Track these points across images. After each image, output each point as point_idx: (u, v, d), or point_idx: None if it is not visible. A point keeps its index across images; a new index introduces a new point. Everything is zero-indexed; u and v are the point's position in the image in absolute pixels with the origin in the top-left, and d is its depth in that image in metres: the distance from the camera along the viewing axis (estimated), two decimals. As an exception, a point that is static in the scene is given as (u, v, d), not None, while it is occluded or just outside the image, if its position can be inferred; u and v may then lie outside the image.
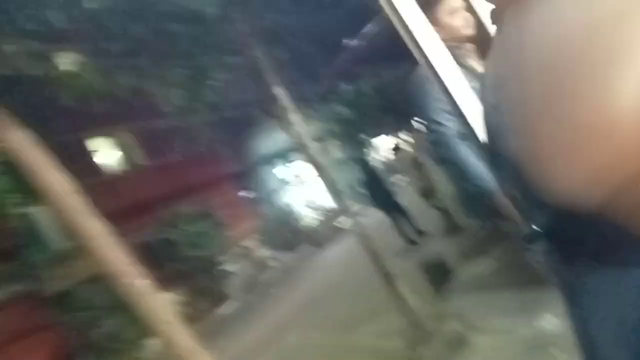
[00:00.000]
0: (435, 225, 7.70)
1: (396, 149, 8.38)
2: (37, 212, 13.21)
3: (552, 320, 3.12)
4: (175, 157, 18.89)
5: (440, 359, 3.47)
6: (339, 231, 17.83)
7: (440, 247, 5.79)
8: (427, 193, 7.77)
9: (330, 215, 19.93)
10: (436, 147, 2.08)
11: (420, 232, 8.42)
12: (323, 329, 6.60)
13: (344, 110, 5.97)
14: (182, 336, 2.51)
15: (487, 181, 1.98)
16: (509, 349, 3.14)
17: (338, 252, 14.32)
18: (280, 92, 4.15)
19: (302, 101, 4.58)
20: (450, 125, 2.04)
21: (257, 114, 23.09)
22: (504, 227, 2.24)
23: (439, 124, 2.05)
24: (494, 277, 4.49)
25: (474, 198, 2.19)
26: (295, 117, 4.17)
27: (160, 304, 2.55)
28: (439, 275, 5.31)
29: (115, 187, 14.83)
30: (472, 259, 5.35)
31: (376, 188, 8.70)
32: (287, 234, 18.56)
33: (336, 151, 3.73)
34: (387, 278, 3.99)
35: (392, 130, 7.44)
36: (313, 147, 4.17)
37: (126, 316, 12.14)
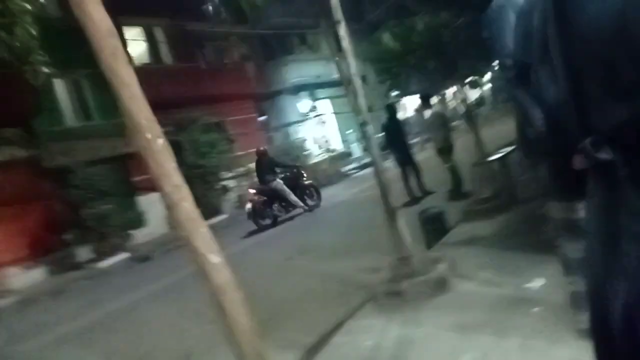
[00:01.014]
0: (444, 186, 7.72)
1: (425, 101, 8.22)
2: (57, 82, 13.30)
3: (541, 284, 3.17)
4: (202, 64, 18.70)
5: (420, 296, 3.55)
6: (343, 176, 17.93)
7: (441, 206, 5.80)
8: (445, 153, 7.72)
9: (338, 159, 19.96)
10: (510, 84, 1.98)
11: (426, 192, 8.46)
12: (312, 255, 6.77)
13: (391, 45, 5.76)
14: (201, 230, 2.52)
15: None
16: (490, 300, 3.21)
17: (339, 190, 14.48)
18: (339, 15, 3.99)
19: (354, 28, 4.38)
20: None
21: (300, 37, 22.52)
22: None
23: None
24: (490, 239, 4.54)
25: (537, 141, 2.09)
26: (346, 45, 4.02)
27: (176, 182, 2.54)
28: (435, 229, 5.38)
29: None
30: (472, 221, 5.40)
31: (395, 138, 8.64)
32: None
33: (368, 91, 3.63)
34: (389, 212, 4.02)
35: (435, 80, 7.21)
36: (356, 81, 4.05)
37: (118, 204, 12.52)
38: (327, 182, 16.97)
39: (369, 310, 3.70)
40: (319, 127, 21.25)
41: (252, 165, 17.52)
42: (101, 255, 11.71)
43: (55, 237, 12.22)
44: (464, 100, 7.46)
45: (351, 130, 21.88)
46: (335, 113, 22.72)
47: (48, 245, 12.16)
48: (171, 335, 5.07)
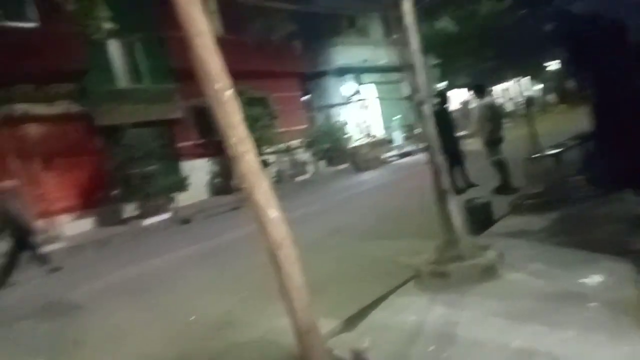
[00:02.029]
0: (488, 180, 7.53)
1: (478, 91, 7.99)
2: (112, 43, 13.60)
3: (599, 281, 3.06)
4: (250, 38, 18.75)
5: (467, 280, 3.48)
6: (382, 162, 17.81)
7: (488, 197, 5.65)
8: (493, 145, 7.51)
9: (378, 145, 19.81)
10: None
11: (470, 184, 8.28)
12: (351, 236, 6.76)
13: (450, 28, 5.57)
14: (262, 185, 2.54)
15: None
16: (541, 291, 3.11)
17: (378, 176, 14.40)
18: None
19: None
20: None
21: (351, 20, 22.24)
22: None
23: None
24: (541, 234, 4.40)
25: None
26: (410, 20, 3.92)
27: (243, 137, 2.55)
28: (481, 219, 5.27)
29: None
30: (521, 214, 5.25)
31: (442, 126, 8.44)
32: (332, 149, 18.61)
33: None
34: (439, 194, 3.94)
35: (492, 70, 6.96)
36: (417, 58, 3.95)
37: (163, 167, 12.81)
38: (367, 167, 16.91)
39: (412, 289, 3.67)
40: (361, 112, 21.07)
41: (293, 142, 17.67)
42: (144, 213, 12.08)
43: (103, 191, 12.69)
44: (520, 93, 7.20)
45: (394, 118, 21.62)
46: (379, 99, 22.48)
47: (96, 199, 12.64)
48: (210, 298, 5.17)
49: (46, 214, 10.97)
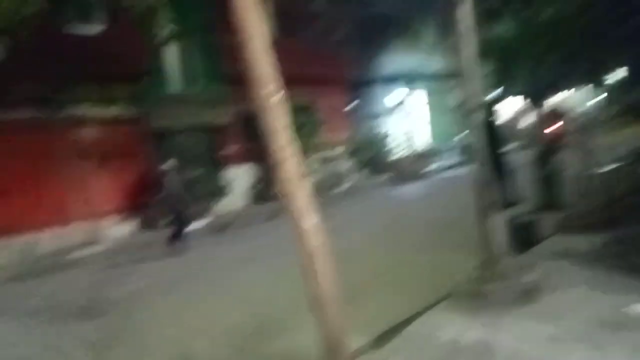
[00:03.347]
0: (536, 196, 7.26)
1: (536, 100, 7.73)
2: (169, 47, 14.07)
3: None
4: (303, 43, 18.93)
5: (506, 301, 3.38)
6: (427, 174, 17.56)
7: (535, 214, 5.45)
8: (546, 159, 7.23)
9: (423, 156, 19.53)
10: None
11: (518, 199, 8.01)
12: (390, 246, 6.70)
13: (512, 31, 5.36)
14: (302, 192, 2.56)
15: None
16: (585, 317, 2.98)
17: (422, 188, 14.20)
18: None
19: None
20: None
21: (403, 28, 22.05)
22: None
23: None
24: (587, 256, 4.21)
25: None
26: (469, 25, 3.85)
27: (287, 142, 2.59)
28: (526, 237, 5.10)
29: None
30: (568, 234, 5.04)
31: (491, 137, 8.23)
32: (374, 159, 18.51)
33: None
34: (482, 212, 3.85)
35: (552, 78, 6.64)
36: (474, 64, 3.87)
37: (207, 172, 13.02)
38: (410, 178, 16.69)
39: (449, 307, 3.59)
40: (407, 121, 20.84)
41: (336, 150, 17.69)
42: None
43: (149, 195, 13.12)
44: (579, 105, 6.89)
45: (443, 127, 21.25)
46: (428, 107, 22.15)
47: (142, 203, 13.08)
48: (245, 302, 5.25)
49: (92, 216, 11.36)
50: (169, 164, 9.77)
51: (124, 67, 12.22)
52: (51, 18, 11.57)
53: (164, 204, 9.84)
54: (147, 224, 12.88)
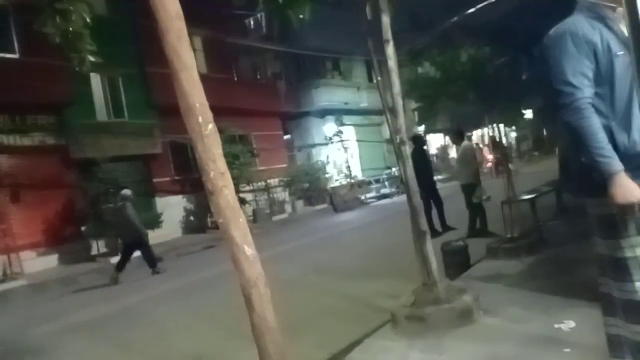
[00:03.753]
0: (468, 223, 7.58)
1: (457, 135, 8.18)
2: (94, 77, 13.59)
3: (572, 326, 3.05)
4: (234, 77, 18.99)
5: (444, 324, 3.43)
6: (361, 203, 17.86)
7: (465, 241, 5.67)
8: (470, 189, 7.61)
9: (357, 186, 19.92)
10: (565, 112, 1.95)
11: (447, 227, 8.34)
12: (329, 275, 6.66)
13: (432, 72, 5.76)
14: (238, 221, 2.50)
15: (604, 156, 1.86)
16: (518, 335, 3.08)
17: (357, 217, 14.38)
18: (388, 34, 4.01)
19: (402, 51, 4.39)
20: (586, 91, 1.93)
21: (334, 63, 22.64)
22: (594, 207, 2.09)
23: (574, 87, 1.93)
24: (517, 278, 4.41)
25: (580, 172, 2.05)
26: (392, 64, 4.03)
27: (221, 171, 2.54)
28: (458, 262, 5.27)
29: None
30: (497, 258, 5.27)
31: (420, 169, 8.56)
32: (311, 188, 18.63)
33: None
34: (417, 237, 3.94)
35: (472, 115, 7.12)
36: (398, 100, 4.04)
37: (137, 203, 12.48)
38: (345, 207, 16.92)
39: (389, 332, 3.59)
40: (341, 153, 21.30)
41: (272, 180, 17.63)
42: (113, 250, 11.69)
43: (73, 227, 12.30)
44: (497, 139, 7.40)
45: (373, 159, 21.93)
46: (359, 141, 22.81)
47: (65, 234, 12.23)
48: (179, 336, 5.00)
49: (10, 249, 10.50)
50: (124, 194, 9.74)
51: (43, 95, 11.62)
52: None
53: (119, 231, 9.85)
54: (75, 256, 12.06)
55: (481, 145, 19.00)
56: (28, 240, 11.50)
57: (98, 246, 12.38)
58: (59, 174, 12.52)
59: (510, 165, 7.07)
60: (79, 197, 12.44)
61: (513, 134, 24.34)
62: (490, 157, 6.94)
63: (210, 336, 4.78)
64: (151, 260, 9.51)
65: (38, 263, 11.48)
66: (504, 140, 8.55)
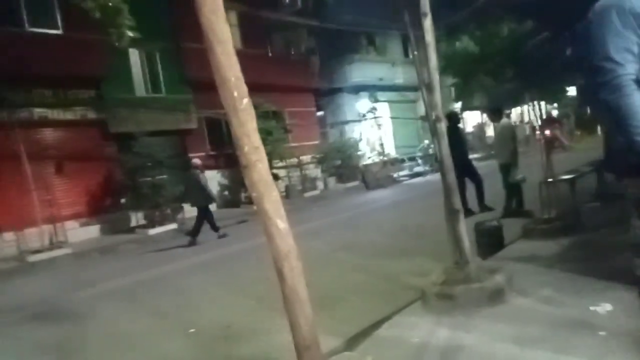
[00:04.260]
0: (504, 203, 7.44)
1: (496, 113, 7.93)
2: (132, 52, 13.83)
3: (608, 309, 2.98)
4: (268, 52, 18.96)
5: (474, 303, 3.42)
6: (393, 181, 17.76)
7: (499, 221, 5.57)
8: (508, 169, 7.43)
9: (390, 164, 19.77)
10: (605, 89, 1.85)
11: (485, 207, 8.19)
12: (359, 252, 6.71)
13: (471, 47, 5.59)
14: (271, 195, 2.52)
15: None
16: (550, 318, 3.04)
17: (389, 194, 14.32)
18: (426, 7, 3.90)
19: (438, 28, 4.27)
20: (629, 67, 1.83)
21: (369, 38, 22.24)
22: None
23: (617, 63, 1.83)
24: (552, 260, 4.32)
25: (620, 152, 1.95)
26: (430, 38, 3.92)
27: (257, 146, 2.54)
28: (491, 242, 5.20)
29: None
30: (532, 239, 5.17)
31: (455, 147, 8.39)
32: (343, 165, 18.61)
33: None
34: (450, 215, 3.90)
35: (509, 93, 6.90)
36: (435, 75, 3.94)
37: (173, 176, 12.84)
38: (377, 185, 16.85)
39: (418, 309, 3.61)
40: (374, 130, 21.10)
41: (304, 157, 17.71)
42: (151, 222, 12.11)
43: (112, 199, 12.76)
44: (537, 118, 7.14)
45: (408, 137, 21.65)
46: (393, 118, 22.51)
47: (105, 206, 12.73)
48: (211, 305, 5.16)
49: (55, 219, 11.03)
50: (195, 162, 10.28)
51: (83, 70, 11.95)
52: (7, 18, 11.26)
53: (191, 197, 10.30)
54: (115, 227, 12.58)
55: (533, 124, 18.48)
56: (71, 211, 12.04)
57: (137, 218, 12.83)
58: (98, 147, 12.96)
59: (565, 141, 6.84)
60: (118, 171, 12.84)
61: (555, 112, 23.46)
62: (546, 132, 6.70)
63: (239, 306, 4.91)
64: (214, 226, 10.06)
65: (81, 233, 12.03)
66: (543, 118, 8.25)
